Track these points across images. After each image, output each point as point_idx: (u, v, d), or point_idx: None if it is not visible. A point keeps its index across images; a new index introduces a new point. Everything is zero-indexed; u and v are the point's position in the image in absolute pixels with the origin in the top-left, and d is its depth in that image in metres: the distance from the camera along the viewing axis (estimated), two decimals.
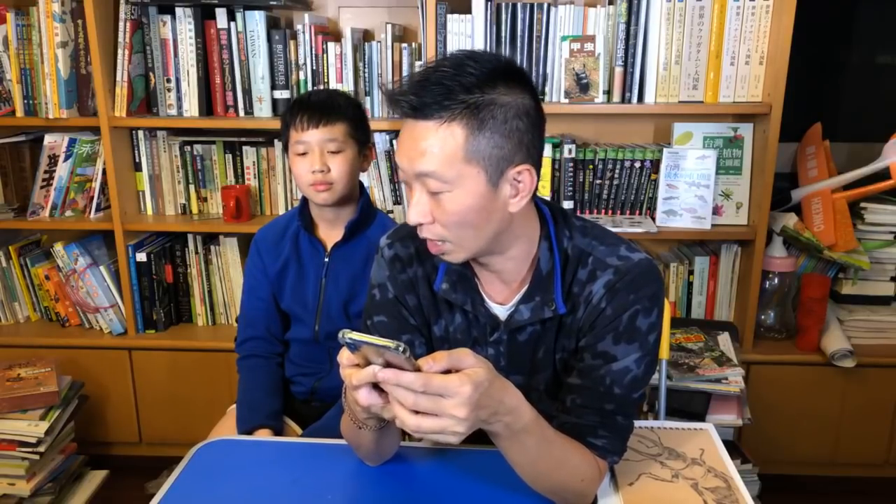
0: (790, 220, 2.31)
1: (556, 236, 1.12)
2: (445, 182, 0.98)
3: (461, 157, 0.97)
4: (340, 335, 0.85)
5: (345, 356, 0.90)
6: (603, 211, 2.36)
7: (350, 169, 1.61)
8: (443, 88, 0.96)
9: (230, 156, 2.45)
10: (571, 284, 1.11)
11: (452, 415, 0.84)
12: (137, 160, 2.45)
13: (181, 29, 2.29)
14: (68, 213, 2.46)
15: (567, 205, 2.34)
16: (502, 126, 0.97)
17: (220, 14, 2.28)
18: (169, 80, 2.34)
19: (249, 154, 2.43)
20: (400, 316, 1.18)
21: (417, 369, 0.86)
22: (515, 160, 1.00)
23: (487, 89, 0.97)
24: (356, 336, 0.85)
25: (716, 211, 2.32)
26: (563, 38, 2.20)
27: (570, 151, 2.30)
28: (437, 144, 0.96)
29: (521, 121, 0.99)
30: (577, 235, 1.12)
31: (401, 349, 0.82)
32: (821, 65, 2.55)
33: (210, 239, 2.50)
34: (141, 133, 2.42)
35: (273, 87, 2.33)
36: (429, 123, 0.97)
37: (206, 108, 2.35)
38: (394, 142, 2.35)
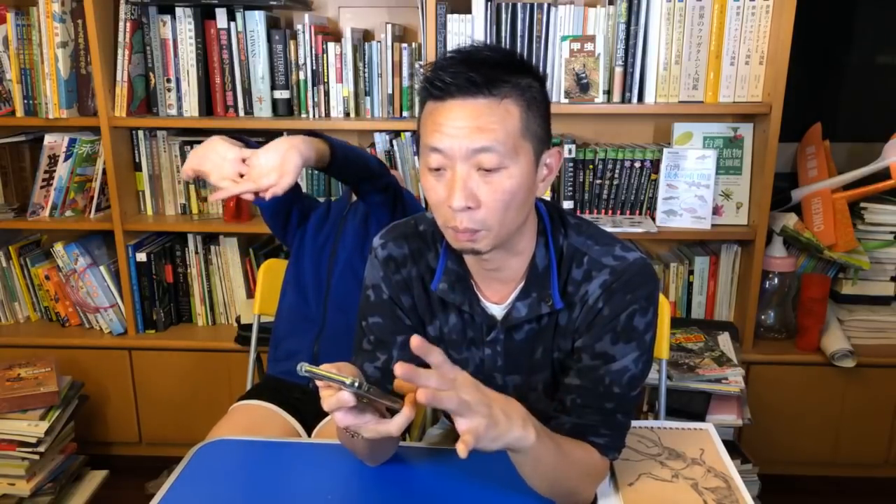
0: (790, 220, 2.31)
1: (552, 234, 1.12)
2: (504, 157, 0.98)
3: (519, 132, 0.99)
4: (298, 368, 0.84)
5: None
6: (603, 211, 2.36)
7: None
8: (494, 68, 0.97)
9: None
10: (566, 283, 1.11)
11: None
12: (137, 160, 2.45)
13: (181, 29, 2.29)
14: (68, 213, 2.46)
15: (567, 205, 2.34)
16: (541, 108, 1.02)
17: (220, 14, 2.28)
18: (169, 80, 2.34)
19: None
20: (395, 316, 1.18)
21: (382, 396, 0.85)
22: (548, 142, 1.05)
23: (524, 73, 1.00)
24: (314, 370, 0.83)
25: (716, 211, 2.32)
26: (563, 38, 2.20)
27: (570, 151, 2.30)
28: (497, 120, 0.97)
29: (547, 107, 1.04)
30: (572, 234, 1.12)
31: (356, 384, 0.82)
32: (821, 65, 2.55)
33: (210, 239, 2.50)
34: (141, 133, 2.42)
35: (273, 87, 2.33)
36: (484, 101, 0.97)
37: (206, 108, 2.35)
38: (394, 142, 2.35)
